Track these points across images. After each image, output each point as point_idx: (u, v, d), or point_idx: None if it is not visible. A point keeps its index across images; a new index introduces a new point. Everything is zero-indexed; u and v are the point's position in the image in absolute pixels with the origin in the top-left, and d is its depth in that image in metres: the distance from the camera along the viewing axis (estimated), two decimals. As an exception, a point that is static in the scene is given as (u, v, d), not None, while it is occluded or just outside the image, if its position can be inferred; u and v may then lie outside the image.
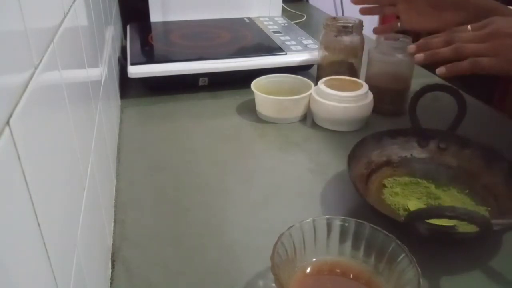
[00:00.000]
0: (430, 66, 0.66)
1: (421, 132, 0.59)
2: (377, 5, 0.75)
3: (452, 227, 0.44)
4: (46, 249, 0.22)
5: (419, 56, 0.59)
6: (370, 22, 2.07)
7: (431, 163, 0.57)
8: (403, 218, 0.45)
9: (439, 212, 0.42)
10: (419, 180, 0.56)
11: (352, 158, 0.53)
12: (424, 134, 0.59)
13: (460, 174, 0.55)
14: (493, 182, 0.52)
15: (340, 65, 0.77)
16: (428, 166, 0.57)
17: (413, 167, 0.57)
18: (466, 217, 0.40)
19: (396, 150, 0.59)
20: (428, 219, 0.43)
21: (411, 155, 0.59)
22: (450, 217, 0.40)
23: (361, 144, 0.56)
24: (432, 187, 0.54)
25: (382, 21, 2.09)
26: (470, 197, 0.52)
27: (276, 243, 0.38)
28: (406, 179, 0.56)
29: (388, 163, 0.58)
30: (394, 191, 0.54)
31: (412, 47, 0.60)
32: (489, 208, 0.50)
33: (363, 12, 0.77)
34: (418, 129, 0.59)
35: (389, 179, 0.56)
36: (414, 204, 0.51)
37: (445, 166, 0.57)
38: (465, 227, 0.43)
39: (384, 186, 0.55)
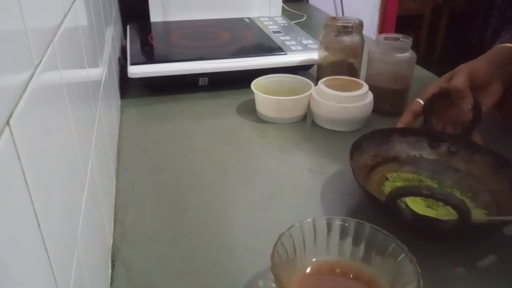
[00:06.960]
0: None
1: (433, 134, 0.59)
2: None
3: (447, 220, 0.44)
4: (46, 249, 0.22)
5: None
6: (370, 22, 2.07)
7: (439, 164, 0.57)
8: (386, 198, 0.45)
9: (417, 190, 0.45)
10: (423, 178, 0.56)
11: (357, 147, 0.54)
12: (436, 137, 0.59)
13: (466, 178, 0.55)
14: (499, 188, 0.51)
15: (340, 65, 0.77)
16: (435, 167, 0.57)
17: (419, 166, 0.57)
18: (442, 197, 0.41)
19: (405, 149, 0.59)
20: (406, 196, 0.46)
21: (420, 155, 0.58)
22: (426, 196, 0.42)
23: (370, 136, 0.57)
24: (435, 187, 0.54)
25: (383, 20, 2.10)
26: (471, 199, 0.52)
27: (276, 243, 0.38)
28: (410, 175, 0.56)
29: (395, 159, 0.58)
30: (396, 184, 0.54)
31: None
32: (488, 212, 0.49)
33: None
34: (430, 131, 0.60)
35: (393, 173, 0.56)
36: (412, 200, 0.51)
37: (453, 169, 0.56)
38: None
39: (387, 179, 0.55)
